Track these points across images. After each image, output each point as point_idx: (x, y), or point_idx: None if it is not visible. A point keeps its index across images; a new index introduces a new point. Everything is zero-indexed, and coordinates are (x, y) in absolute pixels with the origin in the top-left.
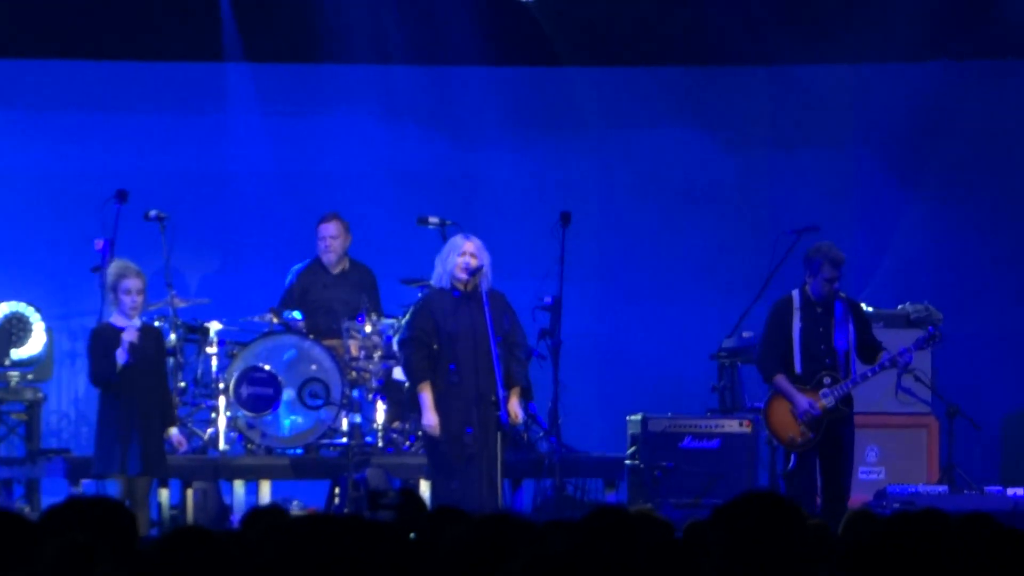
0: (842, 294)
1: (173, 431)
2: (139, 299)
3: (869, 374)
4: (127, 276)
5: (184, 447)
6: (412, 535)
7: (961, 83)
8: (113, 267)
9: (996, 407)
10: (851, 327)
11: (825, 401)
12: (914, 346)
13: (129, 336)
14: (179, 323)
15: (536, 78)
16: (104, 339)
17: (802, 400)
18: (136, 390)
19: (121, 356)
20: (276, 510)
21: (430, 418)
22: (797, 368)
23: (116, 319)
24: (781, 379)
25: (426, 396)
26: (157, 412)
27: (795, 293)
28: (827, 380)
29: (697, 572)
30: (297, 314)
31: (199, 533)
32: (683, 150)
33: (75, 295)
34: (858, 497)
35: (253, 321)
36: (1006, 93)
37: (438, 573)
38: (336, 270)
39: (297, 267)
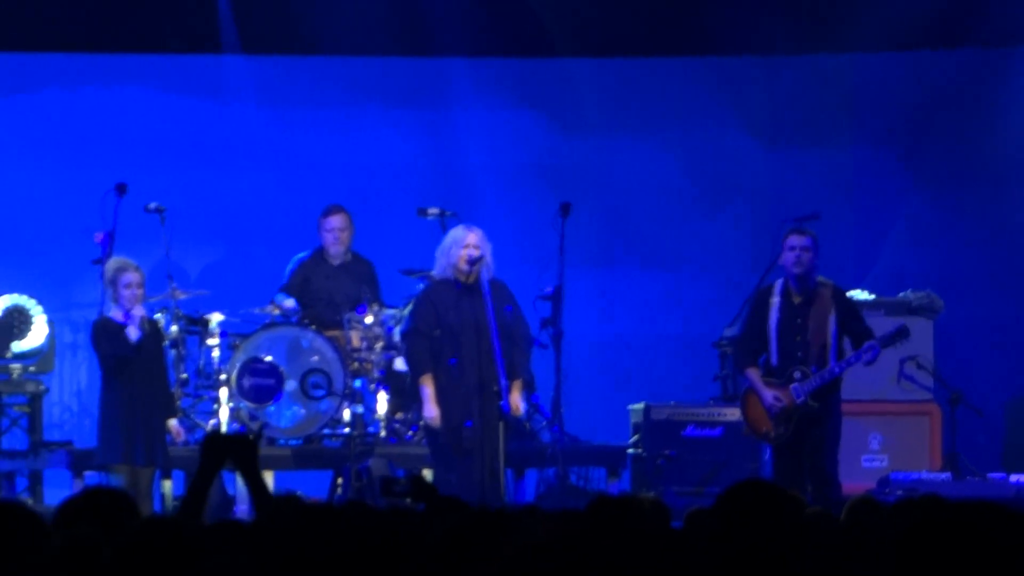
0: (823, 278)
1: (173, 422)
2: (139, 292)
3: (837, 371)
4: (126, 270)
5: (183, 438)
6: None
7: (959, 71)
8: (111, 263)
9: (999, 393)
10: (832, 318)
11: (794, 395)
12: (877, 343)
13: (139, 312)
14: (180, 315)
15: (535, 69)
16: (108, 327)
17: (767, 395)
18: (137, 381)
19: (134, 333)
20: (292, 498)
21: (431, 410)
22: (773, 360)
23: (115, 313)
24: (751, 372)
25: (427, 388)
26: (158, 403)
27: (777, 283)
28: (797, 375)
29: (699, 560)
30: (290, 301)
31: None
32: (684, 140)
33: (76, 288)
34: (861, 484)
35: (254, 312)
36: (1004, 81)
37: (433, 562)
38: (337, 262)
39: (300, 256)
